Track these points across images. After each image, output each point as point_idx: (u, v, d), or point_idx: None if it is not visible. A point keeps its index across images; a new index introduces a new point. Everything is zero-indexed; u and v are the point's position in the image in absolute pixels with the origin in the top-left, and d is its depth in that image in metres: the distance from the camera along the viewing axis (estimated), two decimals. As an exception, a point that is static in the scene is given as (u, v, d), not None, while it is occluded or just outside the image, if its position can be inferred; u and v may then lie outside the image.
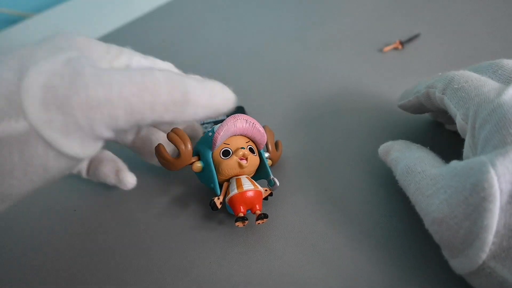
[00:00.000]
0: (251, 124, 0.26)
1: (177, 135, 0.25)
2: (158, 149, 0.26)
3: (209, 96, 0.21)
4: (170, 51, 0.46)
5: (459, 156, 0.23)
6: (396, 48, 0.40)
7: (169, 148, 0.27)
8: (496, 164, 0.18)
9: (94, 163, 0.27)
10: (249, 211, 0.25)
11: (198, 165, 0.26)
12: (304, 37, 0.45)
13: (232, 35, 0.48)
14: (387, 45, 0.40)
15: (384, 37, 0.42)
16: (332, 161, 0.30)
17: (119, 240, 0.27)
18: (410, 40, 0.40)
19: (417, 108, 0.28)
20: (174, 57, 0.45)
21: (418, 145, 0.26)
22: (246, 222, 0.25)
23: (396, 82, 0.36)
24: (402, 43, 0.40)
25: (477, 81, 0.23)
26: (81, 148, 0.18)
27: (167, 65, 0.26)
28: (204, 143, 0.26)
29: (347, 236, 0.25)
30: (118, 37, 0.51)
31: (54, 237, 0.28)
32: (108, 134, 0.18)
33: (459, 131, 0.23)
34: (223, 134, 0.25)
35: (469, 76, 0.23)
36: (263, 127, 0.27)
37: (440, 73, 0.26)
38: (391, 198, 0.27)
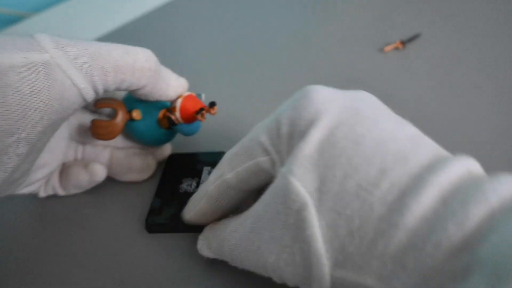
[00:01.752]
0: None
1: (104, 100, 0.26)
2: (93, 121, 0.26)
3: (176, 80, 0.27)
4: (170, 51, 0.46)
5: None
6: (397, 48, 0.40)
7: None
8: (293, 170, 0.17)
9: (64, 170, 0.29)
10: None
11: (136, 112, 0.27)
12: (304, 36, 0.45)
13: (232, 35, 0.48)
14: (388, 44, 0.40)
15: (384, 36, 0.42)
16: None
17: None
18: (411, 39, 0.40)
19: (215, 210, 0.23)
20: (174, 57, 0.45)
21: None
22: (206, 109, 0.27)
23: (397, 82, 0.36)
24: (403, 43, 0.40)
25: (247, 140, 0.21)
26: (88, 87, 0.22)
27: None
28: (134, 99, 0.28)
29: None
30: (118, 37, 0.51)
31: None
32: (101, 89, 0.23)
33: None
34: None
35: (240, 145, 0.22)
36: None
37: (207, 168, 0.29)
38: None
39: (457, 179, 0.15)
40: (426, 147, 0.17)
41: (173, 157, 0.31)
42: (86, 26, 0.54)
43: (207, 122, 0.34)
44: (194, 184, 0.29)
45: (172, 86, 0.26)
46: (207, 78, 0.41)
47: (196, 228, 0.24)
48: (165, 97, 0.26)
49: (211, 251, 0.22)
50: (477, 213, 0.13)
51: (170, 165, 0.31)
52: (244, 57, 0.43)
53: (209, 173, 0.29)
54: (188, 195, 0.27)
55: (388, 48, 0.40)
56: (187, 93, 0.27)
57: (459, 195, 0.14)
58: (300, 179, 0.17)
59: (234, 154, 0.22)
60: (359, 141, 0.17)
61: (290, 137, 0.19)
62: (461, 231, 0.13)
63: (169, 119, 0.27)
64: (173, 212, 0.27)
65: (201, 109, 0.26)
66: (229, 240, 0.20)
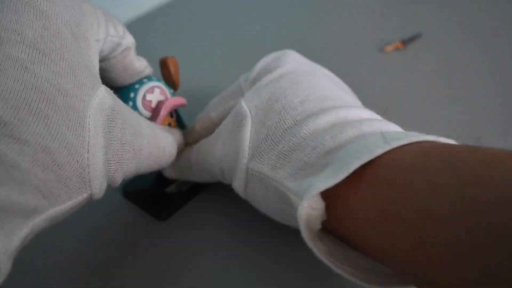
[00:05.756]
0: (172, 104, 0.27)
1: None
2: None
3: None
4: (170, 51, 0.46)
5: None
6: (397, 48, 0.40)
7: None
8: (245, 95, 0.24)
9: None
10: None
11: None
12: (304, 36, 0.45)
13: (232, 35, 0.48)
14: (388, 44, 0.40)
15: (385, 36, 0.41)
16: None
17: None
18: (411, 39, 0.40)
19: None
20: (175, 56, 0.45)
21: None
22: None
23: (398, 82, 0.36)
24: (403, 43, 0.39)
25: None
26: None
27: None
28: None
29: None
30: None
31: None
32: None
33: None
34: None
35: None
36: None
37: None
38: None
39: (353, 117, 0.20)
40: (351, 104, 0.22)
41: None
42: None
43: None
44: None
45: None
46: (207, 78, 0.41)
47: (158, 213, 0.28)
48: None
49: (174, 170, 0.28)
50: (350, 132, 0.18)
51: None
52: (244, 57, 0.43)
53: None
54: (169, 181, 0.29)
55: (389, 48, 0.39)
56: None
57: (346, 124, 0.19)
58: (246, 100, 0.23)
59: (220, 98, 0.28)
60: (297, 83, 0.23)
61: (257, 78, 0.25)
62: (333, 142, 0.18)
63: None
64: (148, 189, 0.29)
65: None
66: (197, 147, 0.26)
